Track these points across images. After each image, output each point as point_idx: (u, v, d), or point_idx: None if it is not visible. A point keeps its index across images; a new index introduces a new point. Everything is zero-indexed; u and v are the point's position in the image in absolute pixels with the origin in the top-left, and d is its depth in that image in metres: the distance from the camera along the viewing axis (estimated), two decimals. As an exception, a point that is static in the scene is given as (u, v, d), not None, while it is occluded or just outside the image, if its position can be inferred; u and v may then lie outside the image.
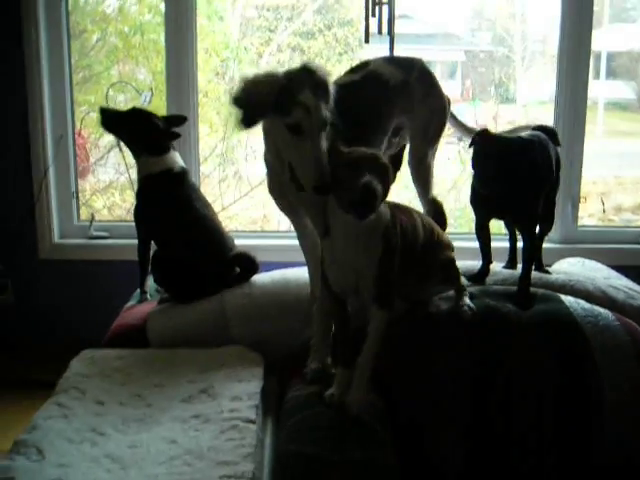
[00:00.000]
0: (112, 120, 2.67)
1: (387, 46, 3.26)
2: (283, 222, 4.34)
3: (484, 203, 2.38)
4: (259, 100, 1.97)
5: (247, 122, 1.99)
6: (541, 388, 2.17)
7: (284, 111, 1.92)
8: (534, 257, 2.51)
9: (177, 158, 2.68)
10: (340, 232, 1.91)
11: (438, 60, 5.17)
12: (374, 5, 3.11)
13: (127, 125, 2.65)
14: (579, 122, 3.44)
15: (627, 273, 2.88)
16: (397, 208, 2.08)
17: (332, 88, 2.01)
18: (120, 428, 1.96)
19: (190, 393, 2.11)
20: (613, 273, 2.81)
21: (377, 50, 3.43)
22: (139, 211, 2.69)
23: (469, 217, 3.51)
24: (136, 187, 2.71)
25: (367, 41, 3.18)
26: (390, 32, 3.04)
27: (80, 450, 1.84)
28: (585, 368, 2.18)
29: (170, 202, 2.62)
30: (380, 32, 3.09)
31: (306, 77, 1.96)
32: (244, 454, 1.82)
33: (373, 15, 3.11)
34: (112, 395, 2.11)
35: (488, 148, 2.24)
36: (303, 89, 1.91)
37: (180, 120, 2.74)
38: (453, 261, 2.29)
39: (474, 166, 2.29)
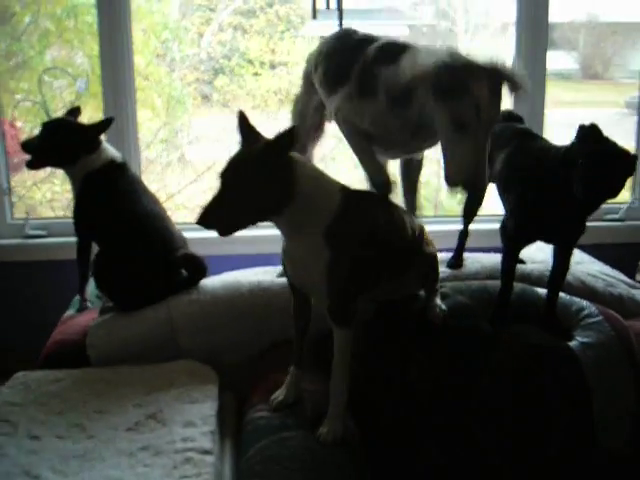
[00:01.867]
0: (43, 149, 2.33)
1: (332, 22, 2.95)
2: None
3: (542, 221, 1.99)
4: None
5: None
6: (524, 392, 1.95)
7: (452, 101, 1.71)
8: None
9: (113, 150, 2.37)
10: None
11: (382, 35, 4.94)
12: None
13: (53, 143, 2.32)
14: (539, 93, 3.34)
15: (593, 251, 2.67)
16: (359, 197, 1.79)
17: None
18: (58, 468, 1.63)
19: (137, 419, 1.80)
20: (585, 256, 2.59)
21: (323, 26, 3.17)
22: (80, 210, 2.35)
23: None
24: (75, 189, 2.36)
25: (315, 17, 2.87)
26: (339, 7, 2.73)
27: (10, 499, 1.51)
28: (570, 371, 1.97)
29: (113, 196, 2.30)
30: (328, 7, 2.77)
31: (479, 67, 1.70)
32: (201, 494, 1.51)
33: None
34: (48, 427, 1.78)
35: (607, 148, 1.81)
36: (478, 80, 1.69)
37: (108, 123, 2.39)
38: (435, 259, 2.00)
39: (589, 171, 1.81)
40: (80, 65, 3.68)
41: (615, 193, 1.82)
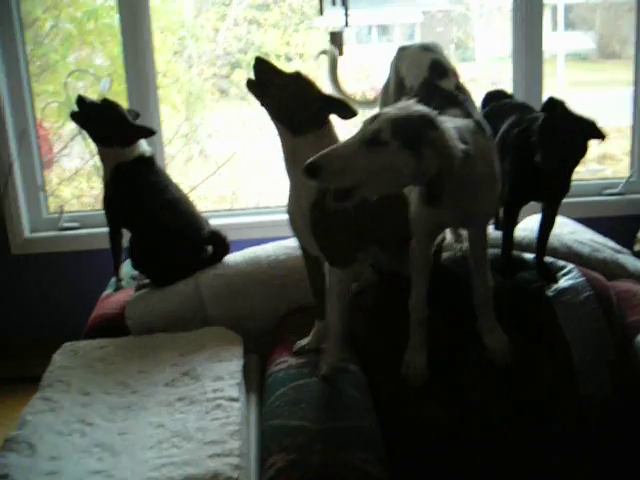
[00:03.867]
0: (88, 113, 2.69)
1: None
2: (252, 199, 4.42)
3: (531, 182, 2.34)
4: None
5: None
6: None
7: None
8: None
9: (144, 144, 2.72)
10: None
11: (396, 23, 5.22)
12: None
13: (102, 118, 2.67)
14: (536, 76, 3.48)
15: (593, 225, 2.98)
16: None
17: None
18: (108, 417, 2.01)
19: (173, 377, 2.17)
20: (579, 227, 2.89)
21: (334, 19, 3.48)
22: (112, 199, 2.72)
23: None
24: (106, 176, 2.72)
25: (322, 13, 3.21)
26: (344, 2, 3.07)
27: (70, 442, 1.89)
28: (549, 331, 2.30)
29: (146, 186, 2.66)
30: (334, 3, 3.11)
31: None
32: (230, 432, 1.88)
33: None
34: (97, 385, 2.16)
35: (563, 119, 2.17)
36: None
37: (136, 115, 2.78)
38: None
39: (545, 137, 2.17)
40: (101, 66, 4.01)
41: (575, 156, 2.20)
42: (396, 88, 2.42)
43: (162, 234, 2.63)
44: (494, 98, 2.64)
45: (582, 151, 2.19)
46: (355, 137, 1.76)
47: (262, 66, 2.02)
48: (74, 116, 2.72)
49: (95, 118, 2.68)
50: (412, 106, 1.83)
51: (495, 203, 2.15)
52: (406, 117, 1.78)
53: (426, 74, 2.27)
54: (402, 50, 2.44)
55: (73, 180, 4.15)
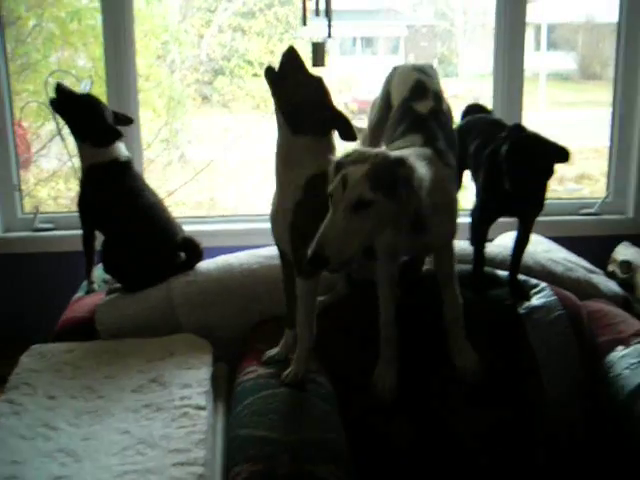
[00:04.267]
0: (65, 101, 2.67)
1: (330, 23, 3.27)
2: (229, 206, 4.41)
3: (501, 201, 2.36)
4: None
5: None
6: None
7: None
8: None
9: (122, 147, 2.70)
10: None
11: (381, 36, 5.25)
12: (311, -15, 3.14)
13: (78, 110, 2.67)
14: (516, 94, 3.49)
15: (568, 244, 2.99)
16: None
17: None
18: (73, 422, 1.99)
19: (140, 383, 2.15)
20: (553, 245, 2.91)
21: (317, 29, 3.48)
22: (85, 201, 2.70)
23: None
24: (80, 176, 2.72)
25: (305, 23, 3.22)
26: (327, 14, 3.08)
27: (33, 446, 1.87)
28: (519, 349, 2.32)
29: (118, 191, 2.65)
30: (317, 14, 3.12)
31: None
32: (196, 441, 1.87)
33: (309, -4, 3.14)
34: (63, 389, 2.14)
35: (526, 143, 2.21)
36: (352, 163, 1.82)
37: (127, 121, 2.79)
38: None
39: (510, 163, 2.19)
40: (83, 67, 4.01)
41: (542, 180, 2.24)
42: (382, 105, 2.45)
43: (133, 239, 2.62)
44: (472, 111, 2.66)
45: (548, 174, 2.21)
46: (337, 209, 1.76)
47: (292, 57, 2.04)
48: (52, 103, 2.69)
49: (72, 107, 2.67)
50: (370, 153, 1.85)
51: (452, 231, 2.15)
52: (376, 167, 1.79)
53: (406, 94, 2.29)
54: (395, 69, 2.47)
55: (50, 181, 4.13)
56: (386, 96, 2.43)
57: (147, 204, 2.66)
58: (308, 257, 1.73)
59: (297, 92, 2.02)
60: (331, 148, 2.08)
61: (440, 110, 2.24)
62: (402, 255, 2.27)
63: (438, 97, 2.28)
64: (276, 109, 2.07)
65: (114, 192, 2.65)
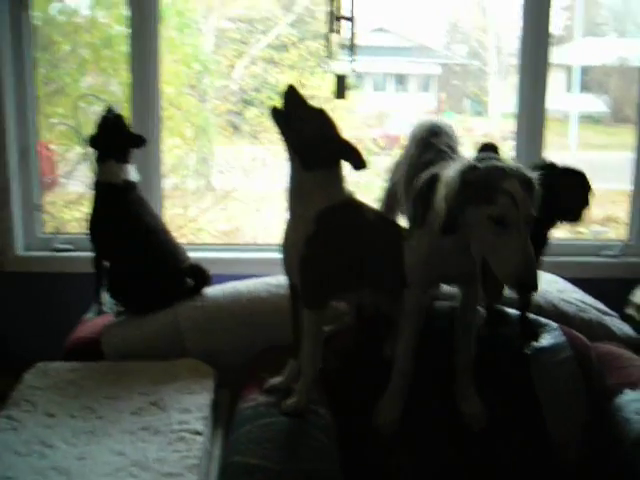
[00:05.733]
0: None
1: (360, 57, 3.31)
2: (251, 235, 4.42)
3: None
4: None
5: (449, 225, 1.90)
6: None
7: (488, 201, 1.79)
8: None
9: (132, 171, 2.73)
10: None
11: (413, 73, 5.27)
12: (337, 20, 3.16)
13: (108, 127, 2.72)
14: (538, 134, 3.47)
15: (587, 285, 2.94)
16: (361, 204, 2.18)
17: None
18: (70, 440, 2.00)
19: (140, 405, 2.16)
20: (569, 286, 2.87)
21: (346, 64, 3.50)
22: (95, 220, 2.71)
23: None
24: (94, 193, 2.73)
25: (330, 57, 3.23)
26: (351, 47, 3.10)
27: (27, 462, 1.88)
28: (522, 391, 2.29)
29: (124, 213, 2.66)
30: (342, 47, 3.14)
31: (507, 168, 1.85)
32: (189, 465, 1.88)
33: (336, 31, 3.16)
34: (63, 407, 2.16)
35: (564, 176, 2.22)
36: (509, 178, 1.80)
37: (141, 141, 2.79)
38: None
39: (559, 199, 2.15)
40: (114, 93, 4.08)
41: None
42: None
43: (137, 263, 2.62)
44: (483, 150, 2.63)
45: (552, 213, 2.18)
46: (519, 228, 1.76)
47: (293, 95, 2.06)
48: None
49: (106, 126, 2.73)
50: (507, 166, 1.87)
51: None
52: (527, 183, 1.84)
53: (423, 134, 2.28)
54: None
55: (75, 203, 4.16)
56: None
57: (153, 228, 2.68)
58: (516, 283, 1.75)
59: (304, 128, 2.04)
60: (340, 180, 2.11)
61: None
62: (437, 283, 2.25)
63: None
64: (286, 147, 2.08)
65: (122, 213, 2.66)
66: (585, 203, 2.24)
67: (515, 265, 1.73)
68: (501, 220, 1.76)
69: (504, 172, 1.82)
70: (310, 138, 2.03)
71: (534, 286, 1.75)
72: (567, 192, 2.18)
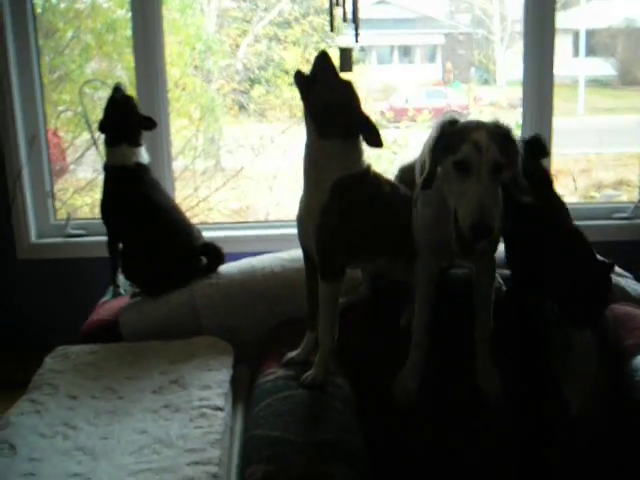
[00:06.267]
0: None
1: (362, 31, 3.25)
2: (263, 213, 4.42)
3: None
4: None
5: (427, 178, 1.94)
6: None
7: (455, 150, 1.84)
8: None
9: (144, 154, 2.74)
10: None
11: (418, 44, 5.24)
12: (339, -7, 3.14)
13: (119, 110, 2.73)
14: (546, 101, 3.45)
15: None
16: (378, 175, 2.18)
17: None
18: (92, 421, 2.02)
19: (161, 384, 2.18)
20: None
21: (351, 37, 3.48)
22: (109, 204, 2.73)
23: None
24: (104, 176, 2.75)
25: (332, 30, 3.22)
26: (355, 20, 3.08)
27: (52, 444, 1.90)
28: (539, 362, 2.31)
29: (139, 195, 2.67)
30: (345, 20, 3.12)
31: (482, 122, 1.90)
32: (211, 441, 1.89)
33: (338, 4, 3.14)
34: (85, 389, 2.17)
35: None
36: (479, 129, 1.85)
37: (152, 123, 2.79)
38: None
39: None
40: (119, 77, 4.06)
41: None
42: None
43: (151, 243, 2.63)
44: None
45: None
46: (480, 174, 1.79)
47: (324, 61, 2.07)
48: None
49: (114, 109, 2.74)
50: (480, 122, 1.91)
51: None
52: (496, 132, 1.87)
53: None
54: None
55: (86, 189, 4.17)
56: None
57: (164, 208, 2.69)
58: (469, 227, 1.75)
59: (326, 95, 2.04)
60: (358, 152, 2.10)
61: None
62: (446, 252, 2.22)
63: None
64: (305, 113, 2.08)
65: (134, 195, 2.67)
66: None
67: (470, 209, 1.76)
68: (462, 166, 1.81)
69: (476, 125, 1.87)
70: (331, 106, 2.04)
71: (487, 231, 1.75)
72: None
